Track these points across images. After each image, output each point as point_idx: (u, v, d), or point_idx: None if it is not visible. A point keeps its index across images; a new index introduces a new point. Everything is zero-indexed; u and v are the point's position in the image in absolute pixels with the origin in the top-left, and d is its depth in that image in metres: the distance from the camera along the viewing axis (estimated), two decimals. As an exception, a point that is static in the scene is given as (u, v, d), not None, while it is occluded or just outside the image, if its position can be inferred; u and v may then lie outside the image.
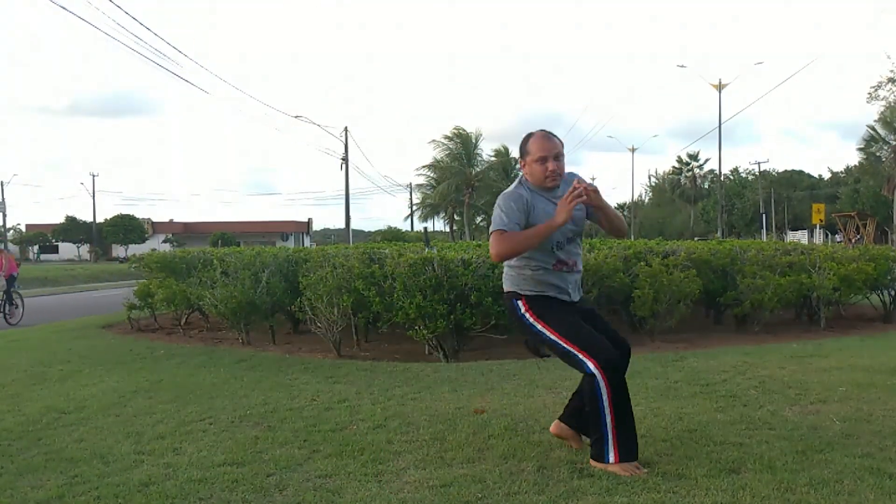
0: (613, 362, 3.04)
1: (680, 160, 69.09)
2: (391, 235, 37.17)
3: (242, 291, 7.27)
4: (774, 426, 3.70)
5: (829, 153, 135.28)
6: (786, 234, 53.70)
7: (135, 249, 42.98)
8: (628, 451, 3.06)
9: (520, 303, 3.22)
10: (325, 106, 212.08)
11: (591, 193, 3.02)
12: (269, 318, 7.65)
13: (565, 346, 3.10)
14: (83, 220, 63.73)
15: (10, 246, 56.31)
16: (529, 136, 3.20)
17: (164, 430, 3.99)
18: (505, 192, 3.20)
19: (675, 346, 6.65)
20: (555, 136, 3.19)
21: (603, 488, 2.85)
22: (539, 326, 3.17)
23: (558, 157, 3.14)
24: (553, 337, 3.14)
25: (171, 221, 70.10)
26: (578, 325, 3.15)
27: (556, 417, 3.54)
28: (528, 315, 3.20)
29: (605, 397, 3.02)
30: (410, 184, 57.73)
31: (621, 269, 6.95)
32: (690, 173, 68.52)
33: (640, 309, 6.84)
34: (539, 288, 3.19)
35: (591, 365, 3.03)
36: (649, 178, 79.28)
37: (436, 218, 54.55)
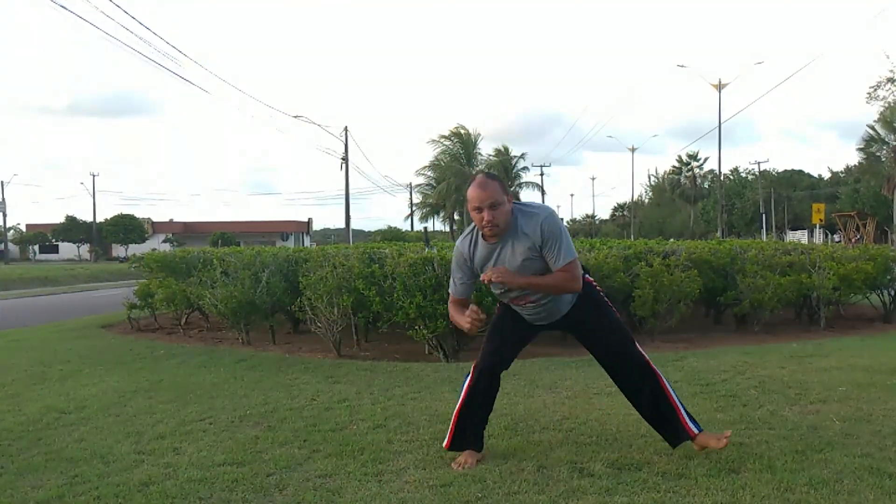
0: (488, 368, 3.23)
1: (680, 160, 69.02)
2: (391, 235, 37.17)
3: (242, 291, 7.27)
4: (774, 426, 3.70)
5: (829, 153, 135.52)
6: (786, 233, 53.72)
7: (135, 249, 43.05)
8: (460, 442, 3.28)
9: None
10: (325, 106, 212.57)
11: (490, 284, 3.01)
12: (269, 318, 7.65)
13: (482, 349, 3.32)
14: (83, 219, 63.70)
15: (10, 245, 56.27)
16: (472, 179, 3.06)
17: (164, 430, 3.99)
18: (460, 236, 3.23)
19: (675, 345, 6.66)
20: (493, 180, 3.00)
21: (603, 488, 2.85)
22: (490, 323, 3.42)
23: (494, 205, 2.93)
24: (485, 338, 3.37)
25: (171, 221, 70.07)
26: (499, 333, 3.30)
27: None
28: (496, 308, 3.46)
29: (464, 385, 3.30)
30: (410, 184, 57.75)
31: (621, 269, 6.95)
32: (690, 173, 68.43)
33: (640, 309, 6.84)
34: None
35: (471, 370, 3.29)
36: (649, 178, 79.20)
37: (436, 218, 54.52)
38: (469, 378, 3.30)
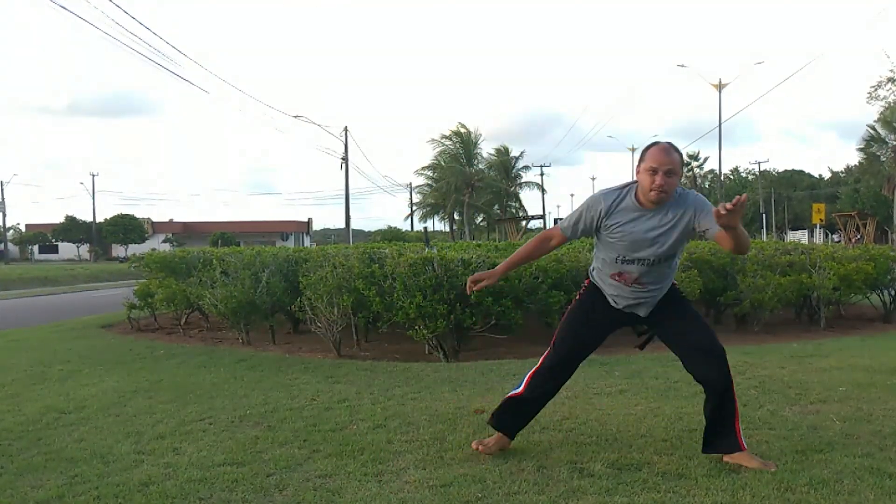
0: (543, 378, 3.31)
1: (680, 160, 68.94)
2: (391, 235, 37.17)
3: (242, 291, 7.26)
4: (774, 426, 3.70)
5: (829, 153, 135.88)
6: (786, 233, 53.76)
7: (135, 249, 43.00)
8: (501, 422, 3.38)
9: (585, 282, 3.39)
10: (325, 106, 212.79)
11: (731, 210, 2.68)
12: (269, 318, 7.65)
13: (552, 340, 3.33)
14: (83, 219, 63.73)
15: (10, 245, 56.23)
16: (653, 144, 3.06)
17: (164, 430, 3.99)
18: (604, 188, 3.20)
19: (675, 345, 6.64)
20: (677, 152, 3.02)
21: (603, 488, 2.85)
22: (567, 311, 3.39)
23: (670, 173, 2.95)
24: (559, 327, 3.36)
25: (171, 221, 70.10)
26: (577, 337, 3.29)
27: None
28: (577, 295, 3.40)
29: (520, 385, 3.38)
30: (410, 184, 57.76)
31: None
32: (690, 173, 68.38)
33: (640, 309, 6.82)
34: (599, 281, 3.28)
35: (540, 359, 3.34)
36: (649, 178, 79.05)
37: (436, 218, 54.55)
38: (525, 380, 3.34)
